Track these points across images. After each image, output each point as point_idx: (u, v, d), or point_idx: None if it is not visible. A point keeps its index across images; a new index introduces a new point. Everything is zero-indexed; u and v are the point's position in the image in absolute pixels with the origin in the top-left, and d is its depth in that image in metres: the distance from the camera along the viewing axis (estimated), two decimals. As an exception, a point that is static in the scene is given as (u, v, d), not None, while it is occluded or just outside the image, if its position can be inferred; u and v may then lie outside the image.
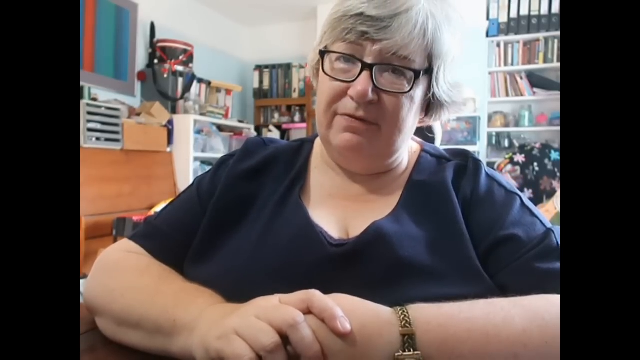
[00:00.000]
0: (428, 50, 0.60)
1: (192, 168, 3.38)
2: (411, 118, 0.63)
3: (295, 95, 4.38)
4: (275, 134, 4.33)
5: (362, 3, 0.58)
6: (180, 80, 3.44)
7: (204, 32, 4.09)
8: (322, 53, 0.62)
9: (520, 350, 0.46)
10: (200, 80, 3.72)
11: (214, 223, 0.65)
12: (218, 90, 3.95)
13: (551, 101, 3.63)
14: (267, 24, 4.61)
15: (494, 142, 3.80)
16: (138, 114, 3.11)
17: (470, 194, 0.63)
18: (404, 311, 0.47)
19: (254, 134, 4.24)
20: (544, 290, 0.51)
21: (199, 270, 0.62)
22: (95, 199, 2.60)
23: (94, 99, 2.79)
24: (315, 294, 0.46)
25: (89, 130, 2.63)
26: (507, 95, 3.74)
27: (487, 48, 3.74)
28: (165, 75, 3.37)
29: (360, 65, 0.59)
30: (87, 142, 2.62)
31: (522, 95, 3.69)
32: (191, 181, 0.75)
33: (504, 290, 0.55)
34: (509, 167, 3.31)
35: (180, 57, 3.44)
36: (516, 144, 3.69)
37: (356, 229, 0.62)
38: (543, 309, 0.48)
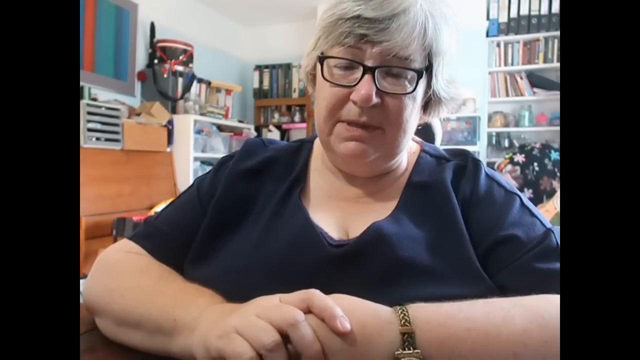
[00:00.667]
0: (428, 49, 0.60)
1: (192, 168, 3.38)
2: (414, 118, 0.63)
3: (295, 95, 4.38)
4: (275, 134, 4.33)
5: (358, 5, 0.57)
6: (180, 80, 3.44)
7: (204, 32, 4.09)
8: (321, 59, 0.61)
9: (520, 349, 0.46)
10: (200, 80, 3.72)
11: (214, 223, 0.65)
12: (218, 90, 3.95)
13: (551, 101, 3.63)
14: (267, 24, 4.61)
15: (494, 142, 3.80)
16: (138, 114, 3.11)
17: (470, 194, 0.63)
18: (403, 310, 0.47)
19: (254, 134, 4.23)
20: (543, 290, 0.51)
21: (199, 271, 0.62)
22: (95, 199, 2.60)
23: (94, 99, 2.79)
24: (315, 294, 0.46)
25: (89, 130, 2.63)
26: (507, 95, 3.74)
27: (487, 48, 3.74)
28: (165, 75, 3.37)
29: (361, 69, 0.58)
30: (87, 142, 2.62)
31: (522, 95, 3.69)
32: (191, 181, 0.75)
33: (503, 290, 0.55)
34: (509, 167, 3.31)
35: (180, 57, 3.44)
36: (516, 144, 3.69)
37: (356, 230, 0.62)
38: (543, 309, 0.48)
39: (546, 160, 3.25)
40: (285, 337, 0.43)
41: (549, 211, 2.20)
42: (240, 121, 4.13)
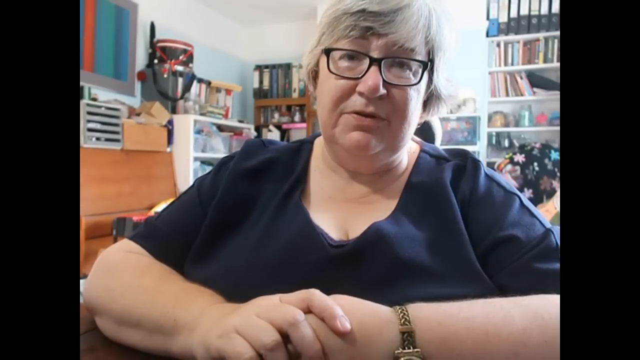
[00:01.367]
0: (430, 44, 0.61)
1: (192, 168, 3.38)
2: (417, 111, 0.63)
3: (295, 95, 4.38)
4: (275, 134, 4.33)
5: (362, 0, 0.58)
6: (180, 80, 3.44)
7: (204, 32, 4.09)
8: (327, 51, 0.61)
9: (520, 349, 0.46)
10: (200, 80, 3.72)
11: (214, 224, 0.65)
12: (218, 90, 3.95)
13: (551, 101, 3.63)
14: (267, 24, 4.61)
15: (494, 142, 3.80)
16: (138, 114, 3.11)
17: (469, 194, 0.63)
18: (403, 310, 0.47)
19: (254, 134, 4.23)
20: (543, 291, 0.51)
21: (199, 271, 0.62)
22: (95, 199, 2.60)
23: (94, 99, 2.79)
24: (315, 293, 0.46)
25: (89, 130, 2.63)
26: (507, 95, 3.74)
27: (487, 48, 3.74)
28: (165, 75, 3.37)
29: (367, 60, 0.58)
30: (87, 142, 2.62)
31: (522, 95, 3.69)
32: (191, 181, 0.76)
33: (503, 290, 0.55)
34: (509, 167, 3.31)
35: (180, 57, 3.44)
36: (516, 143, 3.69)
37: (356, 231, 0.62)
38: (542, 309, 0.48)
39: (546, 160, 3.25)
40: (285, 337, 0.43)
41: (549, 211, 2.20)
42: (240, 121, 4.13)
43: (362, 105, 0.59)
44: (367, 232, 0.60)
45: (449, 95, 0.67)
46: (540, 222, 0.61)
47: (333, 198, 0.67)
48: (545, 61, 3.62)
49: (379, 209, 0.64)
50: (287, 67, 4.38)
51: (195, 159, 3.47)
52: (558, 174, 3.19)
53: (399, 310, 0.47)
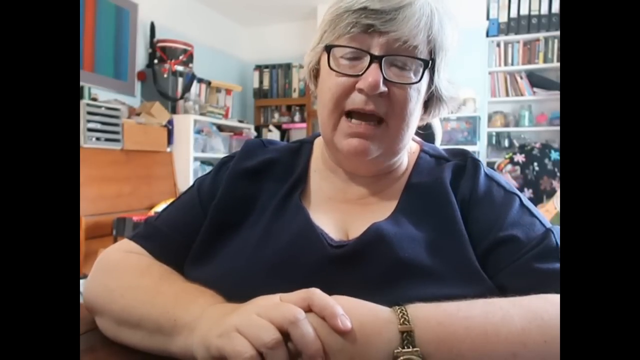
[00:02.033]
0: (432, 44, 0.61)
1: (192, 168, 3.38)
2: (417, 112, 0.63)
3: (295, 95, 4.38)
4: (275, 134, 4.33)
5: None
6: (180, 80, 3.44)
7: (204, 32, 4.09)
8: (328, 48, 0.61)
9: (519, 349, 0.46)
10: (200, 80, 3.72)
11: (214, 224, 0.65)
12: (218, 90, 3.95)
13: (551, 101, 3.63)
14: (267, 24, 4.61)
15: (494, 142, 3.80)
16: (138, 114, 3.11)
17: (469, 194, 0.63)
18: (402, 310, 0.47)
19: (254, 134, 4.23)
20: (543, 291, 0.51)
21: (199, 271, 0.62)
22: (95, 199, 2.60)
23: (94, 99, 2.79)
24: (315, 292, 0.46)
25: (89, 130, 2.63)
26: (507, 95, 3.74)
27: (487, 48, 3.74)
28: (165, 75, 3.37)
29: (367, 58, 0.58)
30: (87, 142, 2.62)
31: (522, 95, 3.69)
32: (191, 181, 0.76)
33: (503, 290, 0.55)
34: (509, 167, 3.31)
35: (180, 57, 3.44)
36: (516, 143, 3.69)
37: (356, 231, 0.62)
38: (542, 309, 0.48)
39: (546, 160, 3.25)
40: (285, 336, 0.43)
41: (549, 211, 2.20)
42: (240, 121, 4.13)
43: (362, 103, 0.59)
44: (367, 233, 0.60)
45: (450, 97, 0.67)
46: (540, 221, 0.61)
47: (333, 199, 0.67)
48: (545, 61, 3.61)
49: (379, 210, 0.64)
50: (287, 67, 4.38)
51: (195, 159, 3.47)
52: (558, 174, 3.19)
53: (399, 310, 0.47)
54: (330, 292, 0.48)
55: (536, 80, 3.66)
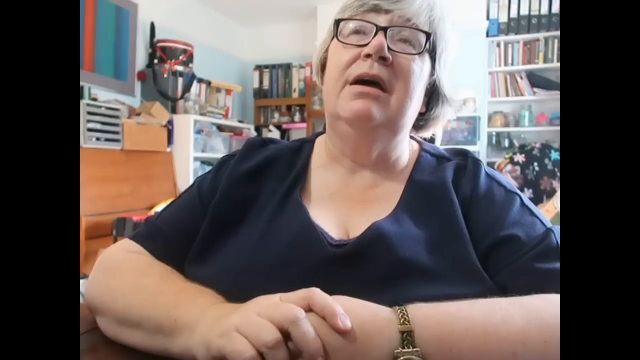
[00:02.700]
0: (433, 27, 0.64)
1: (192, 168, 3.38)
2: (419, 91, 0.65)
3: (295, 95, 4.37)
4: (275, 134, 4.33)
5: None
6: (180, 80, 3.44)
7: (204, 32, 4.09)
8: (337, 21, 0.64)
9: (519, 348, 0.46)
10: (200, 80, 3.72)
11: (214, 223, 0.65)
12: (218, 90, 3.95)
13: (551, 101, 3.63)
14: (267, 24, 4.61)
15: (494, 142, 3.80)
16: (138, 114, 3.11)
17: (470, 193, 0.63)
18: (402, 310, 0.47)
19: (254, 134, 4.23)
20: (543, 290, 0.51)
21: (199, 270, 0.62)
22: (95, 199, 2.60)
23: (94, 99, 2.79)
24: (315, 292, 0.46)
25: (89, 130, 2.63)
26: (507, 95, 3.74)
27: (487, 48, 3.74)
28: (165, 75, 3.37)
29: (373, 29, 0.61)
30: (87, 142, 2.62)
31: (522, 95, 3.69)
32: (191, 181, 0.75)
33: (503, 290, 0.55)
34: (509, 167, 3.31)
35: (180, 57, 3.44)
36: (516, 143, 3.69)
37: (356, 230, 0.62)
38: (542, 308, 0.48)
39: (546, 160, 3.25)
40: (285, 335, 0.43)
41: (549, 211, 2.20)
42: (240, 121, 4.13)
43: (367, 67, 0.61)
44: (368, 232, 0.60)
45: (451, 98, 0.69)
46: (540, 221, 0.61)
47: (334, 195, 0.67)
48: (545, 61, 3.62)
49: (380, 207, 0.64)
50: (287, 67, 4.38)
51: (195, 159, 3.47)
52: (558, 174, 3.19)
53: (399, 310, 0.47)
54: (330, 291, 0.48)
55: (536, 80, 3.67)
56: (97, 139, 2.68)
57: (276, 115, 4.42)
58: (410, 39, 0.62)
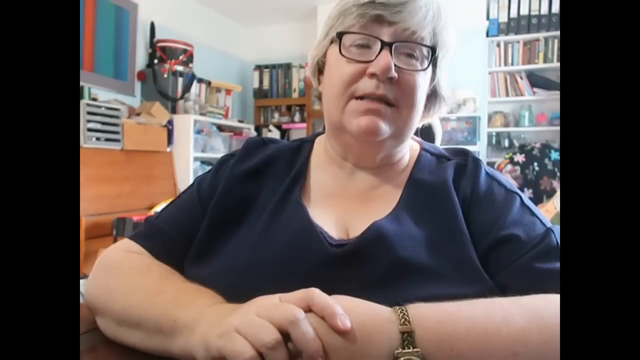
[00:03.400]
0: (437, 37, 0.63)
1: (192, 168, 3.38)
2: (423, 100, 0.65)
3: (295, 95, 4.38)
4: (275, 134, 4.33)
5: None
6: (180, 80, 3.44)
7: (204, 32, 4.09)
8: (340, 35, 0.63)
9: (520, 348, 0.45)
10: (200, 80, 3.72)
11: (214, 223, 0.65)
12: (218, 90, 3.95)
13: (551, 101, 3.63)
14: (267, 24, 4.61)
15: (494, 142, 3.80)
16: (138, 114, 3.11)
17: (470, 192, 0.63)
18: (403, 310, 0.47)
19: (254, 133, 4.23)
20: (543, 290, 0.51)
21: (199, 270, 0.62)
22: (95, 199, 2.60)
23: (94, 99, 2.79)
24: (315, 292, 0.46)
25: (89, 130, 2.63)
26: (507, 95, 3.74)
27: (487, 48, 3.74)
28: (165, 75, 3.37)
29: (378, 44, 0.60)
30: (87, 142, 2.62)
31: (522, 95, 3.69)
32: (191, 181, 0.75)
33: (503, 290, 0.55)
34: (509, 166, 3.31)
35: (180, 57, 3.44)
36: (516, 143, 3.69)
37: (356, 229, 0.62)
38: (542, 308, 0.48)
39: (546, 160, 3.25)
40: (285, 336, 0.43)
41: (549, 211, 2.20)
42: (240, 121, 4.13)
43: (373, 87, 0.60)
44: (368, 232, 0.60)
45: (447, 97, 0.69)
46: (540, 221, 0.61)
47: (334, 195, 0.67)
48: (545, 61, 3.62)
49: (380, 207, 0.64)
50: (287, 67, 4.38)
51: (195, 159, 3.47)
52: (558, 174, 3.19)
53: (399, 310, 0.47)
54: (330, 291, 0.47)
55: (536, 80, 3.67)
56: (97, 139, 2.68)
57: (276, 115, 4.42)
58: (415, 52, 0.61)
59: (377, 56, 0.60)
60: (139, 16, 3.33)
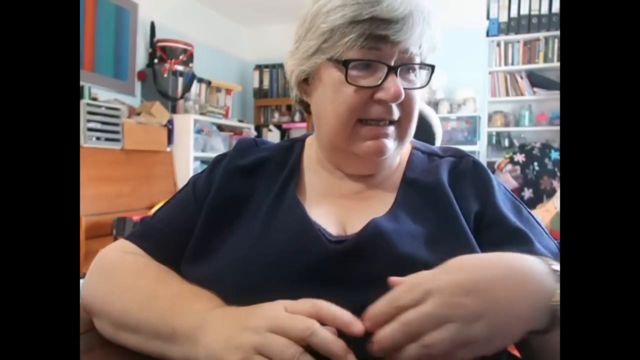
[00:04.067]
0: (430, 47, 0.63)
1: (192, 168, 3.38)
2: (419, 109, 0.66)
3: (295, 94, 4.37)
4: (275, 134, 4.33)
5: (371, 7, 0.57)
6: (180, 80, 3.44)
7: (204, 32, 4.09)
8: (346, 63, 0.59)
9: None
10: (200, 80, 3.72)
11: (210, 221, 0.65)
12: (218, 90, 3.95)
13: (551, 101, 3.63)
14: (267, 24, 4.61)
15: (494, 141, 3.80)
16: (138, 114, 3.11)
17: (467, 190, 0.64)
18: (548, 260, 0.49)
19: (254, 133, 4.24)
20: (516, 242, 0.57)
21: (196, 269, 0.62)
22: (95, 199, 2.60)
23: (94, 99, 2.79)
24: (322, 304, 0.46)
25: (89, 130, 2.63)
26: (507, 94, 3.74)
27: (487, 48, 3.74)
28: (165, 75, 3.37)
29: (384, 68, 0.59)
30: (87, 142, 2.62)
31: (522, 94, 3.69)
32: (190, 181, 0.75)
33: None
34: (509, 166, 3.31)
35: (180, 57, 3.44)
36: (516, 143, 3.69)
37: (354, 226, 0.62)
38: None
39: (546, 160, 3.25)
40: (305, 347, 0.43)
41: (549, 211, 2.20)
42: (240, 121, 4.13)
43: (384, 113, 0.60)
44: (367, 229, 0.60)
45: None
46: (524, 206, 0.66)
47: (328, 194, 0.67)
48: (545, 61, 3.62)
49: (376, 205, 0.64)
50: (287, 67, 4.38)
51: (195, 158, 3.47)
52: (558, 174, 3.19)
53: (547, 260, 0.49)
54: (329, 287, 0.47)
55: (536, 80, 3.67)
56: (97, 138, 2.68)
57: (276, 115, 4.42)
58: (415, 67, 0.62)
59: (383, 81, 0.59)
60: (139, 16, 3.33)
